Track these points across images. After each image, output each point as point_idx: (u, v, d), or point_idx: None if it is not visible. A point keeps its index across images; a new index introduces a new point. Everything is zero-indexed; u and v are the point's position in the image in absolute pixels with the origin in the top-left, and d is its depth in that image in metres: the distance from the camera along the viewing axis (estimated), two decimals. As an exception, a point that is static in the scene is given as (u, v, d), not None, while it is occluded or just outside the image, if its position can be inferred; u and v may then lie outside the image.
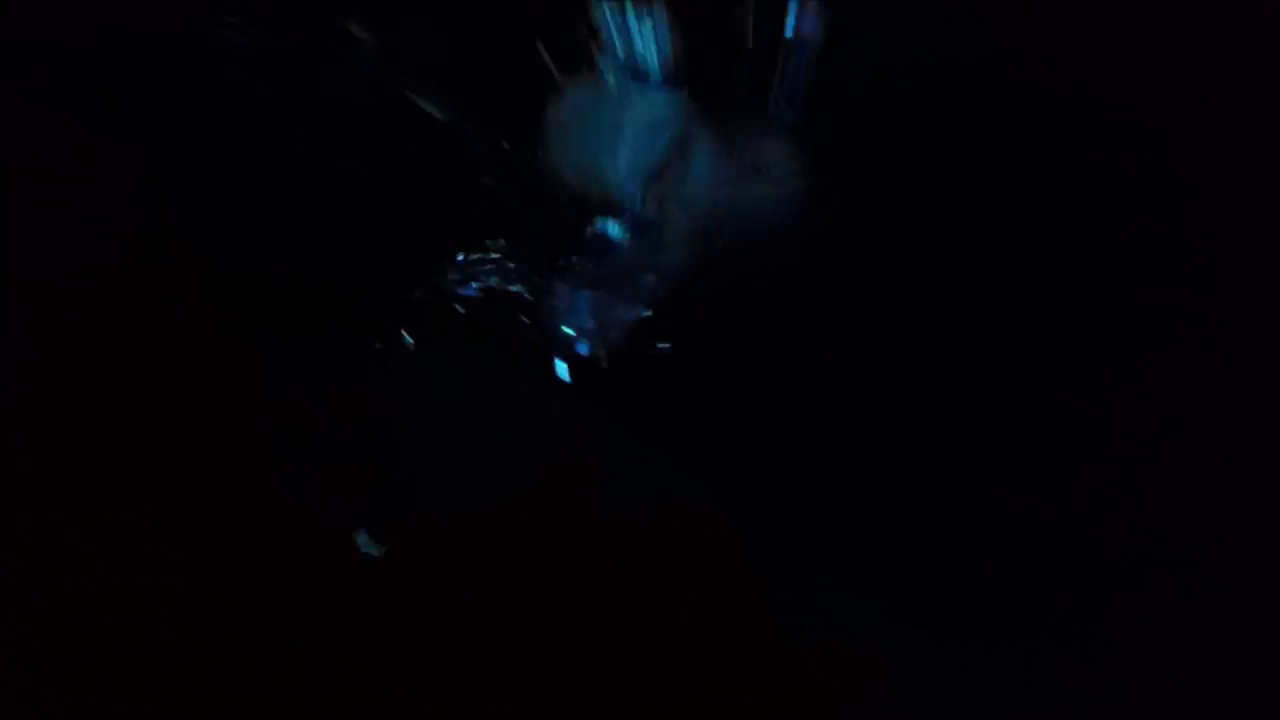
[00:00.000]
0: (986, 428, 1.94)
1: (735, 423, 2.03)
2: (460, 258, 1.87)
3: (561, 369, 1.88)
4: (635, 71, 1.73)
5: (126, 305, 1.89)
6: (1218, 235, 1.91)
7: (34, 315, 1.86)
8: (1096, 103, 1.97)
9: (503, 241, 1.88)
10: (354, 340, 1.94)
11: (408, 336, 1.90)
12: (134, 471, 1.81)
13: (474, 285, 1.87)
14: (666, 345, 1.96)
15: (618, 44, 1.65)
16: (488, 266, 1.87)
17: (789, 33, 1.61)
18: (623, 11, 1.63)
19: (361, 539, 1.68)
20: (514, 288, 1.86)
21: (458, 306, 1.94)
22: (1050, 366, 1.94)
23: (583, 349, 1.89)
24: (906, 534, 1.91)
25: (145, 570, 1.73)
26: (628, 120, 1.72)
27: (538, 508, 1.88)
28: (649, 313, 1.94)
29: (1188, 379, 1.88)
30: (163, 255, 1.93)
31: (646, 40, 1.66)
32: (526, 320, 1.89)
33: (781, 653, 1.83)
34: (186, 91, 1.94)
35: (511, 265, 1.87)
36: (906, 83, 1.88)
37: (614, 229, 1.81)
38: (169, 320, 1.90)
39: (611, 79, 1.74)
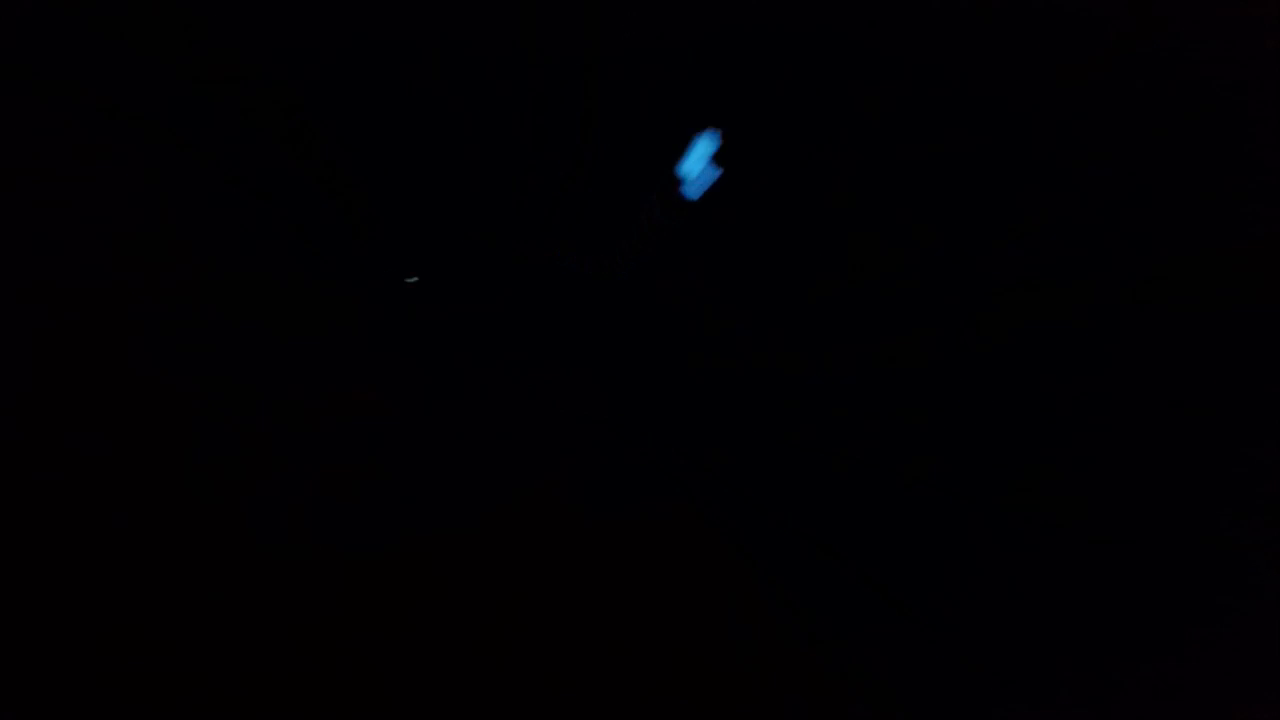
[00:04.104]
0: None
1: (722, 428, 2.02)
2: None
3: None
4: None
5: (125, 305, 1.89)
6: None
7: (34, 315, 1.86)
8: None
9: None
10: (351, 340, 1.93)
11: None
12: (131, 471, 1.81)
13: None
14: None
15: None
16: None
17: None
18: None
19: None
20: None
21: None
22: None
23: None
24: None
25: (141, 569, 1.73)
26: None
27: (530, 513, 1.88)
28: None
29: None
30: (161, 255, 1.93)
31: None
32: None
33: (777, 654, 1.83)
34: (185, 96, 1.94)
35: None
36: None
37: None
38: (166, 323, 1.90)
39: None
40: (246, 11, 1.87)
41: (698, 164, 2.08)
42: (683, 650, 1.79)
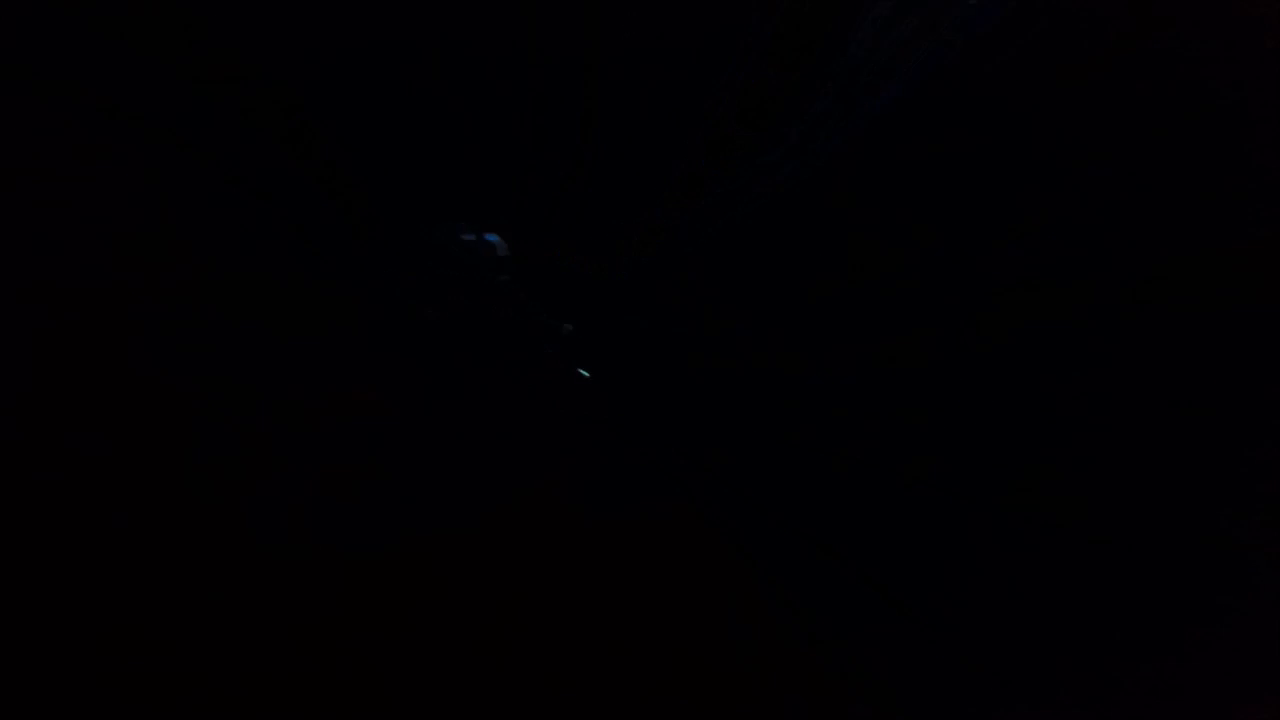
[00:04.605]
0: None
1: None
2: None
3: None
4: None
5: (125, 305, 1.89)
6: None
7: (34, 315, 1.86)
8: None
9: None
10: (352, 341, 1.93)
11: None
12: (132, 470, 1.81)
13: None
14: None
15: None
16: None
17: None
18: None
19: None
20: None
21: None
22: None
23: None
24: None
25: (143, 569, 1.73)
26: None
27: (529, 513, 1.88)
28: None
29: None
30: (162, 255, 1.93)
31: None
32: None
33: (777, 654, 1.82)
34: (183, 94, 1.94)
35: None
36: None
37: None
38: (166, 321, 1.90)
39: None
40: (246, 11, 1.87)
41: None
42: (683, 650, 1.79)
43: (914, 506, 1.93)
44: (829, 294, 2.08)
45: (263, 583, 1.77)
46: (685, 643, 1.81)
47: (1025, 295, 1.96)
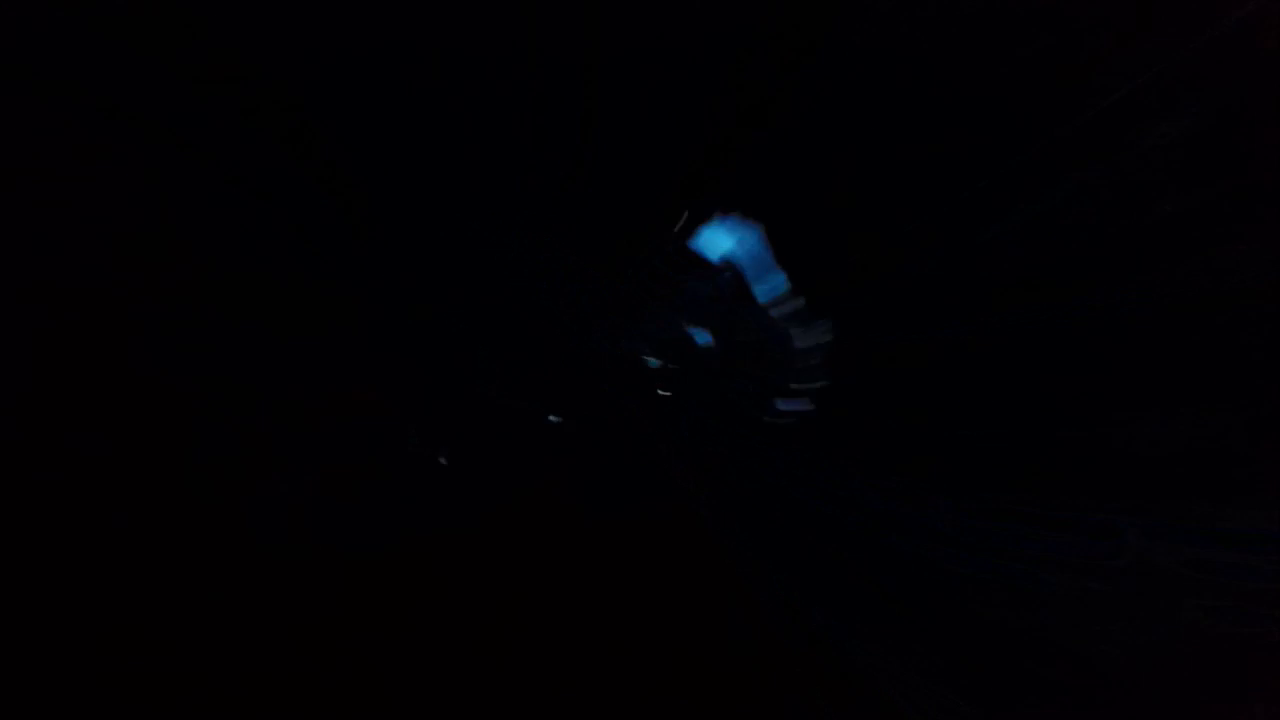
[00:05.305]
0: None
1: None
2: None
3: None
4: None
5: (125, 305, 1.89)
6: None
7: (34, 315, 1.86)
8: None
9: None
10: (354, 341, 1.94)
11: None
12: (132, 470, 1.81)
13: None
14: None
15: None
16: None
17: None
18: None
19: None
20: None
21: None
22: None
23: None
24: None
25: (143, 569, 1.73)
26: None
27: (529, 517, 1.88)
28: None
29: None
30: (163, 255, 1.93)
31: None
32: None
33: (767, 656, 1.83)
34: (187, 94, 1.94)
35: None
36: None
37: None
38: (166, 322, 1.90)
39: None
40: (246, 11, 1.87)
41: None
42: (683, 650, 1.80)
43: (914, 506, 1.93)
44: (829, 293, 2.08)
45: (263, 582, 1.77)
46: (685, 643, 1.81)
47: (1025, 295, 1.96)
